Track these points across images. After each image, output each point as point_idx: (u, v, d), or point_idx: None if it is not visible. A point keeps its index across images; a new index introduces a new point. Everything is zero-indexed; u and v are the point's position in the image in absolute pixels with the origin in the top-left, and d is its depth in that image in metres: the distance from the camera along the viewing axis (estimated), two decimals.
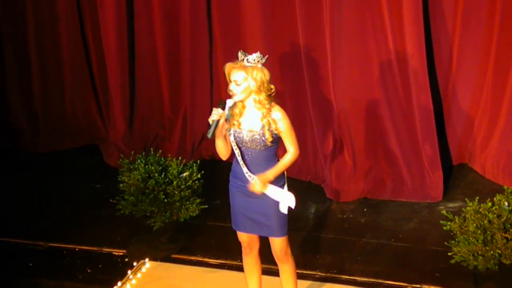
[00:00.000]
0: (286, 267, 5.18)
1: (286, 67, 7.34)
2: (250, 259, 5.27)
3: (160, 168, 6.32)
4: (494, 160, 7.13)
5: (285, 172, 5.07)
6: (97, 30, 8.00)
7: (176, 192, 6.21)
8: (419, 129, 6.98)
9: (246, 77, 4.85)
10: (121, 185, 6.36)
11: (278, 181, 4.98)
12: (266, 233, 5.09)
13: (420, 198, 7.00)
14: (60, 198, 7.35)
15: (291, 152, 4.95)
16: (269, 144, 4.92)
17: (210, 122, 4.90)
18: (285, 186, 5.04)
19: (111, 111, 8.13)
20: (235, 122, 4.95)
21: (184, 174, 6.31)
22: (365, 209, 6.95)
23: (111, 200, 6.47)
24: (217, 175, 7.42)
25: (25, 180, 7.73)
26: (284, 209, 5.02)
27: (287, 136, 4.93)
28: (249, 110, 4.94)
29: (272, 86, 4.92)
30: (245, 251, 5.25)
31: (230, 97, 4.96)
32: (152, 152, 6.50)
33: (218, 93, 7.85)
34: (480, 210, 5.51)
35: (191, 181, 6.30)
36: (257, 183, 4.92)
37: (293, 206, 5.04)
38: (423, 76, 6.90)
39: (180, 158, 6.49)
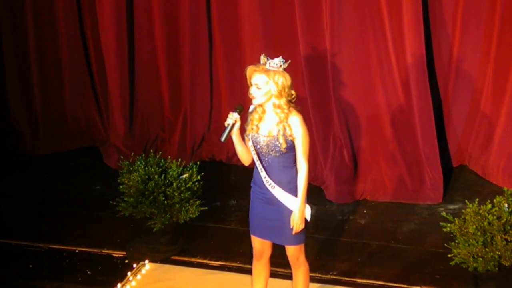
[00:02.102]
0: (298, 273, 5.17)
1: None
2: (260, 265, 5.23)
3: (160, 169, 6.32)
4: (494, 161, 7.14)
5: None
6: (97, 32, 7.99)
7: (176, 194, 6.21)
8: (419, 130, 6.98)
9: (267, 81, 4.82)
10: (121, 186, 6.36)
11: (294, 189, 4.93)
12: (281, 241, 5.06)
13: (420, 200, 7.00)
14: (60, 199, 7.35)
15: (304, 168, 4.88)
16: (283, 150, 4.87)
17: (226, 126, 4.87)
18: None
19: (111, 113, 8.12)
20: (254, 127, 4.93)
21: (184, 176, 6.30)
22: (365, 211, 6.95)
23: (111, 202, 6.47)
24: (217, 177, 7.45)
25: (25, 182, 7.73)
26: None
27: (300, 145, 4.86)
28: (268, 115, 4.91)
29: (293, 92, 4.88)
30: (256, 256, 5.21)
31: (249, 100, 4.93)
32: (152, 154, 6.49)
33: (218, 95, 7.86)
34: (480, 211, 5.51)
35: (191, 183, 6.29)
36: (294, 219, 4.90)
37: (308, 218, 4.99)
38: (423, 78, 6.90)
39: (180, 159, 6.49)
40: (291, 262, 5.15)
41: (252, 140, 4.94)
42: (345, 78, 7.07)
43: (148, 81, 7.99)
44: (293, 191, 4.93)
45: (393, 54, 6.92)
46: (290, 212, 4.95)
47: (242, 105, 4.93)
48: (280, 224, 4.98)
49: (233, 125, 4.87)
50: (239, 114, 4.87)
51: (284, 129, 4.84)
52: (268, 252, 5.18)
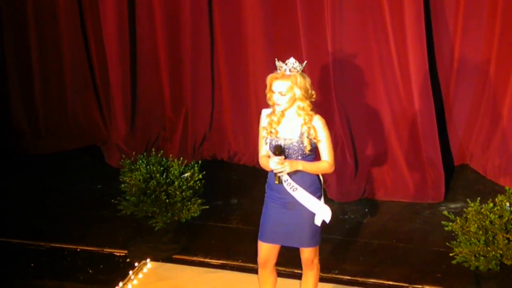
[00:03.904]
0: (310, 274, 5.18)
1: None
2: (265, 272, 5.19)
3: (161, 168, 6.32)
4: (495, 160, 7.14)
5: (323, 185, 5.00)
6: (98, 31, 8.00)
7: (178, 193, 6.21)
8: (420, 129, 6.98)
9: (291, 86, 4.80)
10: (122, 185, 6.36)
11: (315, 192, 4.93)
12: (297, 244, 5.04)
13: (422, 199, 7.00)
14: (61, 198, 7.35)
15: (328, 162, 4.88)
16: (307, 152, 4.86)
17: (273, 170, 4.82)
18: (322, 198, 4.97)
19: (113, 112, 8.13)
20: (273, 130, 4.90)
21: (186, 175, 6.30)
22: (366, 210, 6.95)
23: (112, 201, 6.47)
24: (218, 175, 7.45)
25: (26, 181, 7.73)
26: (318, 222, 4.97)
27: (325, 147, 4.87)
28: (287, 119, 4.90)
29: (314, 92, 4.88)
30: (261, 265, 5.17)
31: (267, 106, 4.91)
32: (153, 153, 6.49)
33: (220, 94, 7.86)
34: (482, 210, 5.51)
35: (192, 182, 6.29)
36: (285, 164, 4.79)
37: (327, 220, 4.97)
38: (425, 77, 6.90)
39: (181, 158, 6.49)
40: (304, 264, 5.14)
41: (271, 144, 4.92)
42: (346, 77, 7.07)
43: (150, 80, 7.99)
44: (314, 194, 4.92)
45: (394, 53, 6.91)
46: (309, 214, 4.93)
47: (281, 144, 4.85)
48: (299, 227, 4.95)
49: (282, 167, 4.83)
50: (280, 154, 4.80)
51: (309, 130, 4.84)
52: (273, 260, 5.15)
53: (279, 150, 4.81)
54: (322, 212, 4.94)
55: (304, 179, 4.89)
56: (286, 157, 4.87)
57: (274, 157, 4.81)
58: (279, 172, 4.82)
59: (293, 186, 4.88)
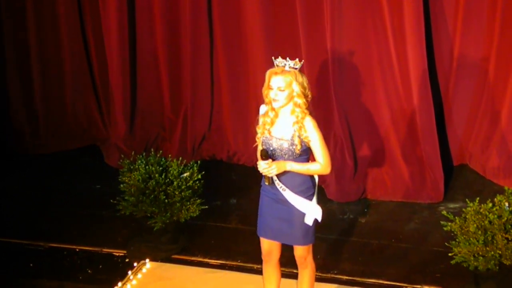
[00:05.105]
0: (305, 273, 5.18)
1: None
2: (269, 267, 5.21)
3: (160, 168, 6.32)
4: (494, 160, 7.13)
5: (316, 184, 5.00)
6: (98, 31, 8.00)
7: (177, 193, 6.21)
8: (419, 129, 6.98)
9: (291, 81, 4.79)
10: (121, 185, 6.36)
11: (306, 191, 4.93)
12: (288, 241, 5.04)
13: (421, 199, 7.00)
14: (60, 198, 7.35)
15: (321, 164, 4.86)
16: (298, 152, 4.84)
17: (261, 172, 4.85)
18: (314, 198, 4.97)
19: (112, 112, 8.13)
20: (265, 130, 4.91)
21: (185, 175, 6.31)
22: (365, 210, 6.95)
23: (111, 201, 6.47)
24: (217, 175, 7.45)
25: (26, 181, 7.73)
26: (308, 221, 4.96)
27: (317, 148, 4.84)
28: (281, 119, 4.90)
29: (310, 93, 4.87)
30: (264, 258, 5.19)
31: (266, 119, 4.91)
32: (152, 153, 6.49)
33: (219, 94, 7.86)
34: (481, 210, 5.51)
35: (191, 182, 6.29)
36: (272, 166, 4.82)
37: (319, 219, 4.98)
38: (424, 76, 6.90)
39: (180, 158, 6.49)
40: (298, 262, 5.14)
41: (264, 143, 4.92)
42: (346, 77, 7.07)
43: (149, 80, 8.00)
44: (303, 194, 4.92)
45: (394, 52, 6.91)
46: (300, 212, 4.93)
47: (267, 150, 4.86)
48: (290, 224, 4.96)
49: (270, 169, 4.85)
50: (267, 158, 4.82)
51: (300, 129, 4.83)
52: (276, 253, 5.16)
53: (265, 155, 4.83)
54: (312, 212, 4.94)
55: (292, 179, 4.90)
56: (276, 158, 4.87)
57: (261, 161, 4.83)
58: (268, 174, 4.85)
59: (281, 186, 4.90)
